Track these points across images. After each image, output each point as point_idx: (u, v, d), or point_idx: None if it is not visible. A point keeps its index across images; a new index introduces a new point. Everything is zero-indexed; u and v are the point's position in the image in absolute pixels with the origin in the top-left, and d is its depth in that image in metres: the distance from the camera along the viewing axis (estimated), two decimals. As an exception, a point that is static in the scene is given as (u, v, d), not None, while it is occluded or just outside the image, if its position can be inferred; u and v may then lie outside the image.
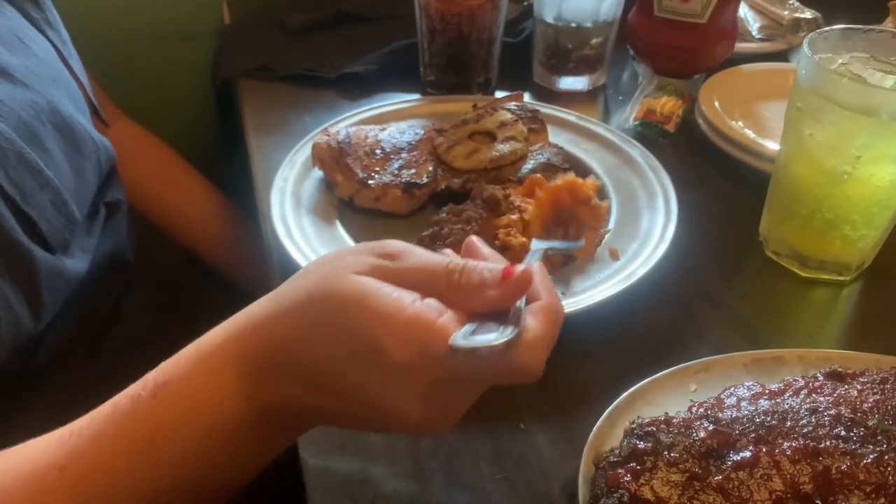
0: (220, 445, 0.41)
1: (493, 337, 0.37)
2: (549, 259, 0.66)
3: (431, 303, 0.38)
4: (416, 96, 0.90)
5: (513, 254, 0.63)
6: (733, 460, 0.44)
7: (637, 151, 0.78)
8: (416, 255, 0.41)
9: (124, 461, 0.40)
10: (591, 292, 0.62)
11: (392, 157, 0.75)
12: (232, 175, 0.98)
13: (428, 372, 0.37)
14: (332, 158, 0.73)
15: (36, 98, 0.61)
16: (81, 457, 0.40)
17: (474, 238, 0.45)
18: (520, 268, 0.39)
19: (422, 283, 0.39)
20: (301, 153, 0.76)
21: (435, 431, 0.42)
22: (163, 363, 0.42)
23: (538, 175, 0.70)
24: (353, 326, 0.38)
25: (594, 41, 0.92)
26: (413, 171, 0.73)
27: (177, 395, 0.40)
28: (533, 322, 0.39)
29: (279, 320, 0.40)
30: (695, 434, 0.45)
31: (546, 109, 0.83)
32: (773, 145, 0.77)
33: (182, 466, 0.41)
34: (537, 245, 0.48)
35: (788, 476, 0.43)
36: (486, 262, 0.41)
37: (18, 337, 0.56)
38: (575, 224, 0.66)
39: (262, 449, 0.43)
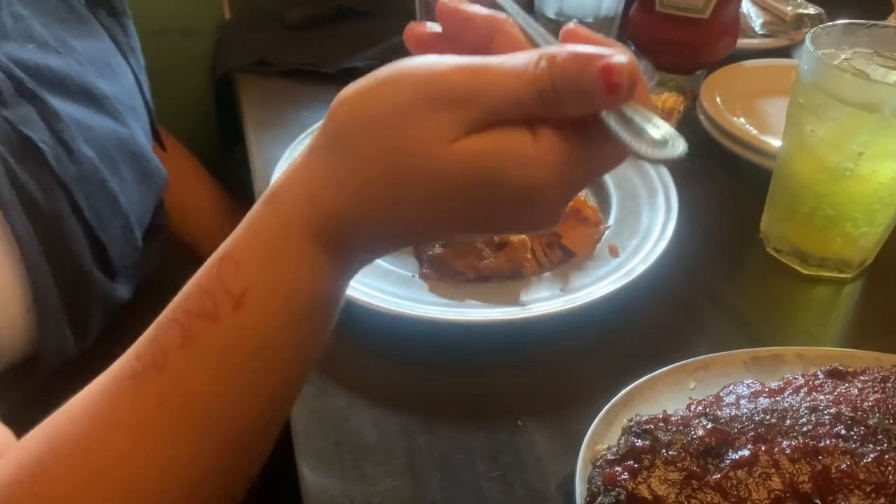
0: (323, 316, 0.39)
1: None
2: (548, 255, 0.65)
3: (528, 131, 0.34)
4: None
5: (511, 250, 0.63)
6: (732, 459, 0.44)
7: (638, 147, 0.77)
8: (492, 87, 0.34)
9: (235, 372, 0.37)
10: (591, 289, 0.61)
11: (391, 152, 0.74)
12: (231, 169, 0.97)
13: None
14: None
15: (118, 128, 0.63)
16: (175, 391, 0.37)
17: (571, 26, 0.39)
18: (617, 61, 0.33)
19: (514, 113, 0.35)
20: (300, 148, 0.75)
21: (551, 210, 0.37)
22: (219, 272, 0.37)
23: None
24: (510, 195, 0.35)
25: (595, 37, 0.92)
26: (412, 166, 0.73)
27: (266, 299, 0.37)
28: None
29: (362, 197, 0.36)
30: (693, 432, 0.45)
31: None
32: (774, 142, 0.76)
33: (297, 359, 0.39)
34: None
35: (787, 475, 0.43)
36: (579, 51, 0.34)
37: (61, 357, 0.56)
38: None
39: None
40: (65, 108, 0.57)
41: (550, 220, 0.37)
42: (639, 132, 0.34)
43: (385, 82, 0.36)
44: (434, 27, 0.41)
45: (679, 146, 0.34)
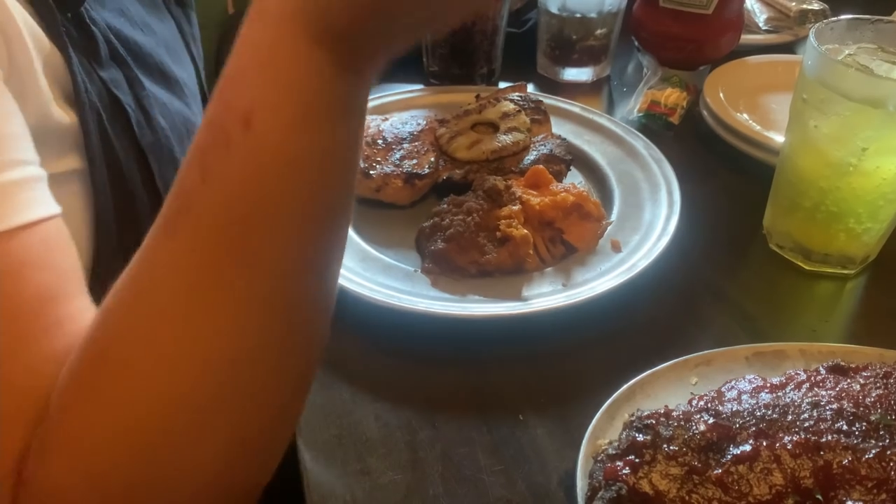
0: (344, 122, 0.36)
1: None
2: (550, 250, 0.65)
3: None
4: (419, 87, 0.89)
5: (514, 246, 0.63)
6: (733, 454, 0.44)
7: (641, 143, 0.77)
8: None
9: (261, 194, 0.35)
10: (593, 284, 0.61)
11: (394, 147, 0.74)
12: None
13: None
14: (333, 148, 0.72)
15: (184, 109, 0.65)
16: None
17: None
18: None
19: None
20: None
21: None
22: (229, 96, 0.35)
23: (541, 166, 0.70)
24: None
25: (599, 32, 0.91)
26: (415, 161, 0.73)
27: (275, 111, 0.34)
28: None
29: None
30: (694, 427, 0.45)
31: (549, 100, 0.83)
32: (777, 137, 0.76)
33: (326, 170, 0.36)
34: None
35: (789, 470, 0.43)
36: None
37: None
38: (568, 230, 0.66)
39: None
40: (145, 80, 0.60)
41: None
42: None
43: None
44: None
45: None
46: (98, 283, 0.53)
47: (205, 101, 0.74)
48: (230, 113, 0.35)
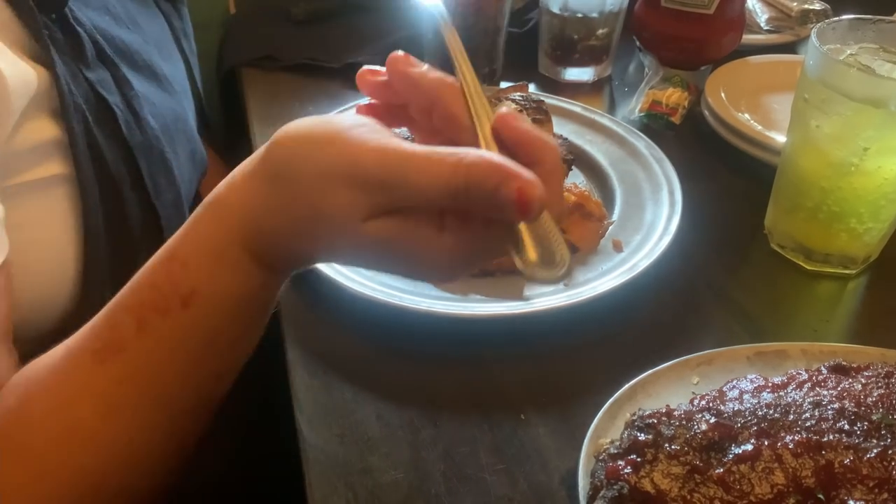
0: (261, 311, 0.45)
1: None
2: None
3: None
4: (421, 86, 0.89)
5: None
6: (735, 453, 0.44)
7: (642, 143, 0.77)
8: (408, 185, 0.37)
9: (184, 357, 0.43)
10: (594, 284, 0.61)
11: (395, 147, 0.74)
12: (236, 164, 0.97)
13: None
14: (335, 148, 0.72)
15: (176, 106, 0.65)
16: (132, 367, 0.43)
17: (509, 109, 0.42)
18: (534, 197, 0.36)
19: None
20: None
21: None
22: (170, 265, 0.43)
23: None
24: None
25: (600, 32, 0.91)
26: (416, 161, 0.73)
27: (210, 300, 0.42)
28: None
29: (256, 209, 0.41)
30: (696, 426, 0.45)
31: (551, 100, 0.83)
32: (779, 137, 0.76)
33: (238, 345, 0.44)
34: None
35: (790, 470, 0.43)
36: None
37: None
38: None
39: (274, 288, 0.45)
40: (134, 79, 0.59)
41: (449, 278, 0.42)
42: (520, 249, 0.37)
43: (318, 142, 0.39)
44: (384, 76, 0.44)
45: (559, 273, 0.37)
46: (85, 288, 0.53)
47: (196, 96, 0.73)
48: (174, 288, 0.41)
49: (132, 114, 0.58)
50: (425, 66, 0.42)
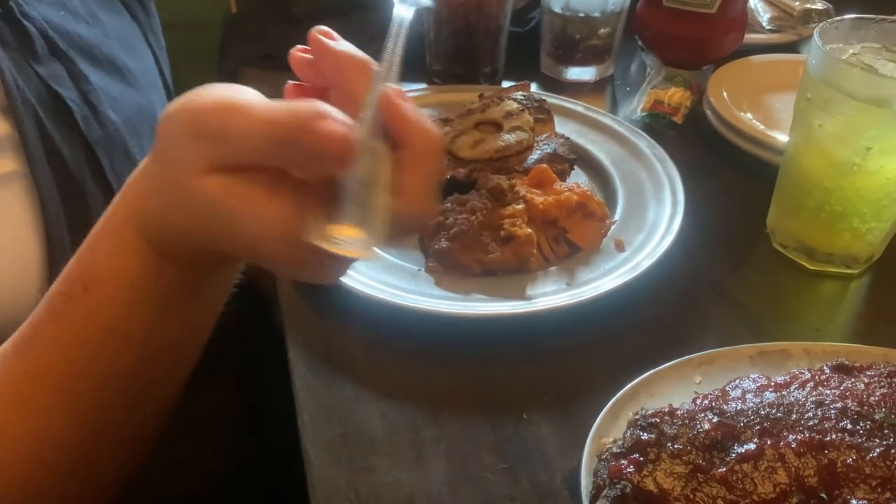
0: (170, 307, 0.43)
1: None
2: (554, 250, 0.65)
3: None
4: (422, 86, 0.89)
5: (517, 245, 0.63)
6: (737, 453, 0.44)
7: (644, 142, 0.77)
8: (239, 133, 0.36)
9: (90, 347, 0.43)
10: (596, 283, 0.61)
11: (397, 146, 0.74)
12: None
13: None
14: (337, 147, 0.72)
15: (140, 100, 0.64)
16: (43, 363, 0.43)
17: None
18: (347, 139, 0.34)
19: (253, 160, 0.37)
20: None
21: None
22: (75, 261, 0.43)
23: (544, 165, 0.70)
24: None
25: (602, 31, 0.91)
26: (418, 160, 0.73)
27: (110, 284, 0.42)
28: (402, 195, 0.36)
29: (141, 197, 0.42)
30: (699, 426, 0.45)
31: (553, 100, 0.83)
32: (781, 137, 0.76)
33: (150, 341, 0.44)
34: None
35: (793, 469, 0.43)
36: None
37: None
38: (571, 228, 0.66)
39: (187, 293, 0.44)
40: (92, 73, 0.58)
41: (281, 260, 0.38)
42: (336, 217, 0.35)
43: (181, 106, 0.38)
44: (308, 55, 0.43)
45: (365, 252, 0.35)
46: (53, 277, 0.53)
47: (167, 89, 0.73)
48: (79, 272, 0.42)
49: (90, 108, 0.57)
50: (345, 43, 0.41)
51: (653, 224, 0.68)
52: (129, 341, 0.43)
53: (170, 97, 0.73)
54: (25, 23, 0.54)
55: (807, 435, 0.44)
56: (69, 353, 0.42)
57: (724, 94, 0.84)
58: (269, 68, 0.95)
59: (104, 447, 0.45)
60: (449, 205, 0.67)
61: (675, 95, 0.86)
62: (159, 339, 0.44)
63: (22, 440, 0.43)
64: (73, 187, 0.54)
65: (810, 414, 0.46)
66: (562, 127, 0.80)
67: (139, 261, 0.41)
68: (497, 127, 0.76)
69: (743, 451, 0.44)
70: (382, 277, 0.61)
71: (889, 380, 0.49)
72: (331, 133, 0.34)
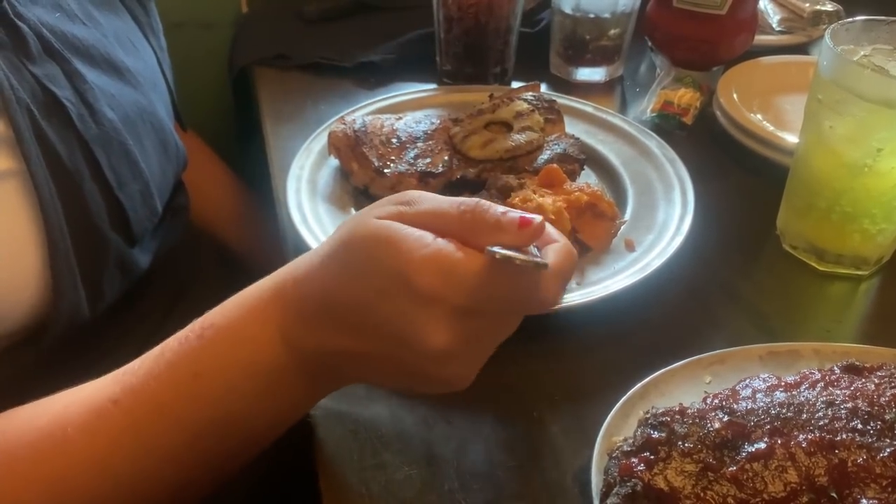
0: (259, 385, 0.45)
1: (524, 256, 0.40)
2: None
3: (449, 242, 0.41)
4: (433, 86, 0.90)
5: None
6: (748, 451, 0.44)
7: (654, 143, 0.77)
8: (430, 199, 0.44)
9: (171, 394, 0.44)
10: (607, 283, 0.61)
11: (408, 146, 0.74)
12: (248, 163, 0.98)
13: (452, 298, 0.40)
14: (348, 147, 0.73)
15: (140, 99, 0.64)
16: (133, 391, 0.44)
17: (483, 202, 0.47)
18: (537, 219, 0.42)
19: (437, 224, 0.42)
20: (317, 141, 0.76)
21: (459, 376, 0.45)
22: (210, 311, 0.46)
23: (554, 165, 0.70)
24: (380, 261, 0.41)
25: (612, 32, 0.92)
26: (428, 160, 0.73)
27: (221, 335, 0.45)
28: (554, 257, 0.43)
29: (316, 271, 0.44)
30: (709, 425, 0.45)
31: (563, 100, 0.83)
32: (791, 138, 0.76)
33: (223, 401, 0.45)
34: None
35: (804, 468, 0.43)
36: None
37: (73, 321, 0.57)
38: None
39: (299, 394, 0.47)
40: (88, 73, 0.58)
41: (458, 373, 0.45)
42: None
43: (385, 242, 0.41)
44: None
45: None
46: (55, 281, 0.54)
47: (170, 92, 0.73)
48: (186, 361, 0.45)
49: (86, 106, 0.57)
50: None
51: (663, 224, 0.68)
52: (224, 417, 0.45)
53: (171, 97, 0.73)
54: (19, 23, 0.54)
55: (817, 434, 0.44)
56: (162, 396, 0.44)
57: (734, 96, 0.84)
58: (279, 68, 0.95)
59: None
60: (459, 204, 0.67)
61: (685, 96, 0.87)
62: (258, 423, 0.47)
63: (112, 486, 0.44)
64: (70, 184, 0.55)
65: (821, 414, 0.46)
66: (571, 127, 0.80)
67: (262, 343, 0.44)
68: (507, 127, 0.76)
69: (753, 450, 0.44)
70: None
71: (900, 380, 0.49)
72: (540, 227, 0.42)
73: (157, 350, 0.46)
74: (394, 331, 0.41)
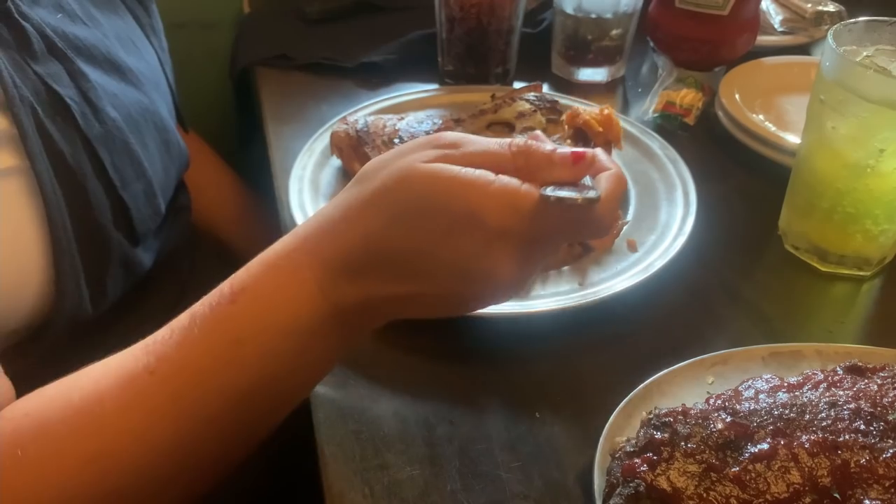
0: (299, 344, 0.44)
1: (577, 194, 0.41)
2: (567, 249, 0.66)
3: (511, 177, 0.41)
4: (434, 86, 0.90)
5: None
6: (751, 452, 0.44)
7: (656, 143, 0.77)
8: (475, 140, 0.43)
9: (210, 361, 0.43)
10: (609, 283, 0.61)
11: (410, 146, 0.74)
12: (250, 164, 0.98)
13: (520, 231, 0.41)
14: (351, 147, 0.73)
15: (142, 98, 0.64)
16: (169, 360, 0.43)
17: (538, 132, 0.48)
18: (589, 152, 0.43)
19: (491, 163, 0.42)
20: (319, 142, 0.76)
21: (516, 291, 0.45)
22: (234, 274, 0.44)
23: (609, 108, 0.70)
24: (446, 201, 0.40)
25: (614, 32, 0.92)
26: (431, 160, 0.73)
27: (256, 298, 0.43)
28: (606, 185, 0.43)
29: (356, 219, 0.43)
30: (712, 425, 0.45)
31: (565, 100, 0.83)
32: (793, 139, 0.76)
33: (264, 365, 0.43)
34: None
35: (806, 469, 0.43)
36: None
37: (76, 320, 0.57)
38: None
39: (337, 346, 0.45)
40: (91, 72, 0.59)
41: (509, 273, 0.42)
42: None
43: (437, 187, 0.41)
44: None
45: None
46: (58, 277, 0.54)
47: (172, 92, 0.73)
48: (222, 327, 0.43)
49: (89, 105, 0.57)
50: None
51: (665, 225, 0.68)
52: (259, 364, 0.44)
53: (173, 97, 0.73)
54: (23, 23, 0.54)
55: (820, 435, 0.44)
56: (200, 363, 0.43)
57: (736, 96, 0.84)
58: (281, 68, 0.95)
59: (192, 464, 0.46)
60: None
61: (687, 97, 0.87)
62: (296, 382, 0.46)
63: (160, 453, 0.43)
64: (73, 182, 0.55)
65: (823, 414, 0.46)
66: (574, 128, 0.80)
67: (304, 297, 0.43)
68: (509, 127, 0.76)
69: (756, 450, 0.44)
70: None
71: (902, 381, 0.49)
72: (593, 159, 0.44)
73: (184, 318, 0.44)
74: (458, 270, 0.41)
